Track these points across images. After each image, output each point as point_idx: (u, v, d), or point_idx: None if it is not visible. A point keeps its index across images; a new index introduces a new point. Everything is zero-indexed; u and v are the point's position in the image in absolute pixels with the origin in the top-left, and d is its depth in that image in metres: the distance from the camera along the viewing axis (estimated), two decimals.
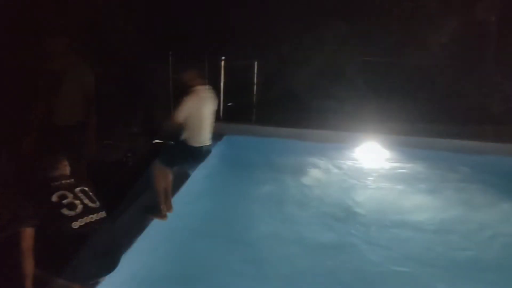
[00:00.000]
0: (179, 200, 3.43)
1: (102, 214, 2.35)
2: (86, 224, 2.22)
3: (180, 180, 3.75)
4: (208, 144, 3.27)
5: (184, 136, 3.17)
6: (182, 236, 3.24)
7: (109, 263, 2.29)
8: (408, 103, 5.82)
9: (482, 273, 2.95)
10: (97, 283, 2.30)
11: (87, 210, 2.28)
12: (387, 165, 4.87)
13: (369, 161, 4.96)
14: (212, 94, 3.31)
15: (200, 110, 3.14)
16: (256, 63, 6.25)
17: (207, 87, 3.32)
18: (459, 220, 3.66)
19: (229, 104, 5.89)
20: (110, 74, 4.64)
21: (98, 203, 2.38)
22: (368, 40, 6.25)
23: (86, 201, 2.32)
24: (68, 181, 2.41)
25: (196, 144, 3.16)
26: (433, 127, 5.43)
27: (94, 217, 2.28)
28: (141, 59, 5.18)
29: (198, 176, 4.06)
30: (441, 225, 3.57)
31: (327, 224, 3.58)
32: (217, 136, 5.38)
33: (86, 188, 2.40)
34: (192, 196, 3.73)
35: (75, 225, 2.19)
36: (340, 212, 3.75)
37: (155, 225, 3.03)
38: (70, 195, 2.28)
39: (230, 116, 5.86)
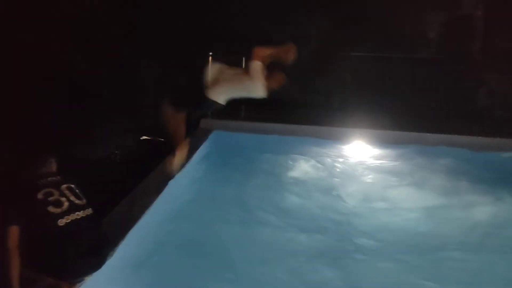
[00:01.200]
0: (165, 196, 3.43)
1: (89, 211, 2.35)
2: (72, 221, 2.22)
3: (165, 177, 3.75)
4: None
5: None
6: (168, 233, 3.24)
7: (96, 261, 2.29)
8: (394, 98, 5.88)
9: (464, 263, 3.00)
10: (83, 280, 2.29)
11: (73, 207, 2.27)
12: (374, 159, 4.92)
13: (357, 156, 5.01)
14: None
15: None
16: (244, 58, 6.23)
17: None
18: (443, 212, 3.72)
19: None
20: (97, 71, 4.61)
21: (84, 200, 2.38)
22: (355, 35, 6.27)
23: (72, 198, 2.31)
24: (55, 178, 2.40)
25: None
26: (419, 121, 5.49)
27: (80, 214, 2.27)
28: (129, 55, 5.14)
29: (186, 172, 4.06)
30: (427, 217, 3.63)
31: (314, 218, 3.61)
32: (205, 131, 5.41)
33: (73, 186, 2.39)
34: (179, 193, 3.72)
35: (61, 222, 2.18)
36: (328, 206, 3.78)
37: (143, 222, 3.03)
38: (56, 193, 2.28)
39: (219, 112, 5.85)
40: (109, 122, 4.93)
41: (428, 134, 5.24)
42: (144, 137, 4.93)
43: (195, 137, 5.15)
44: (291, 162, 4.71)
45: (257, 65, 3.76)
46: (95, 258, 2.27)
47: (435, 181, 4.28)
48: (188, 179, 4.01)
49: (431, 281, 2.85)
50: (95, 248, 2.28)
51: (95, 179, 3.49)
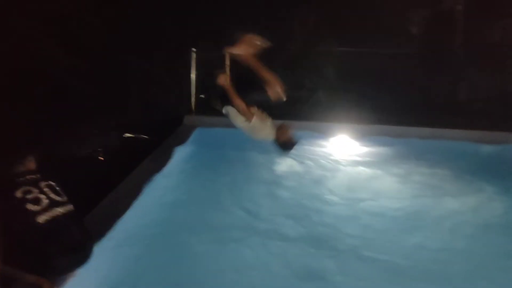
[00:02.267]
0: (149, 193, 3.40)
1: (69, 207, 2.31)
2: (52, 218, 2.18)
3: (149, 174, 3.71)
4: None
5: None
6: (153, 230, 3.21)
7: (78, 258, 2.25)
8: (378, 92, 5.94)
9: (447, 256, 3.05)
10: (67, 278, 2.26)
11: (53, 204, 2.23)
12: (359, 153, 4.96)
13: (342, 150, 5.04)
14: None
15: None
16: (227, 54, 6.20)
17: None
18: (426, 202, 3.78)
19: (201, 96, 5.85)
20: (80, 67, 4.52)
21: (65, 197, 2.34)
22: (339, 30, 6.30)
23: (52, 195, 2.28)
24: (34, 176, 2.36)
25: None
26: (402, 115, 5.55)
27: (61, 210, 2.24)
28: (113, 51, 5.07)
29: (170, 169, 4.03)
30: (410, 207, 3.69)
31: (301, 211, 3.62)
32: (189, 128, 5.37)
33: (53, 183, 2.35)
34: (163, 189, 3.70)
35: (41, 219, 2.15)
36: (314, 200, 3.80)
37: (127, 219, 3.00)
38: (35, 190, 2.24)
39: (203, 108, 5.82)
40: (92, 119, 4.86)
41: (410, 127, 5.31)
42: (127, 135, 4.88)
43: (178, 134, 5.12)
44: (276, 157, 4.71)
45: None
46: (77, 255, 2.24)
47: (418, 173, 4.34)
48: (171, 177, 3.97)
49: (413, 271, 2.90)
50: (77, 244, 2.25)
51: (77, 177, 3.45)
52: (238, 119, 3.55)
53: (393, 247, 3.16)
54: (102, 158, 4.22)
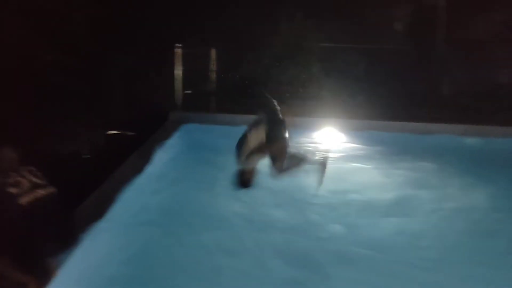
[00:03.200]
0: (135, 189, 3.35)
1: (51, 189, 2.25)
2: (35, 199, 2.13)
3: (134, 170, 3.66)
4: None
5: None
6: (138, 228, 3.17)
7: (68, 239, 2.20)
8: (362, 88, 5.99)
9: (426, 250, 3.08)
10: (53, 272, 2.20)
11: (34, 186, 2.18)
12: (344, 147, 4.98)
13: (328, 144, 5.06)
14: None
15: None
16: (213, 50, 6.18)
17: None
18: (411, 194, 3.81)
19: (187, 92, 5.81)
20: (65, 64, 4.44)
21: (45, 181, 2.28)
22: (325, 27, 6.33)
23: (33, 178, 2.22)
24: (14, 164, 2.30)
25: None
26: (387, 109, 5.61)
27: (42, 192, 2.18)
28: (99, 48, 4.99)
29: (155, 167, 3.98)
30: (395, 198, 3.73)
31: (286, 205, 3.62)
32: (174, 124, 5.32)
33: (33, 168, 2.30)
34: (149, 186, 3.65)
35: (23, 201, 2.09)
36: (300, 193, 3.79)
37: (112, 216, 2.95)
38: (16, 175, 2.18)
39: (188, 104, 5.78)
40: (76, 116, 4.77)
41: (395, 122, 5.37)
42: (111, 132, 4.81)
43: (164, 131, 5.06)
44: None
45: None
46: (62, 237, 2.19)
47: (404, 166, 4.38)
48: (155, 175, 3.92)
49: (397, 257, 2.94)
50: (61, 226, 2.20)
51: (62, 174, 3.38)
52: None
53: (377, 235, 3.20)
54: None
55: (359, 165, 4.50)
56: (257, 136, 3.07)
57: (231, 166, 4.29)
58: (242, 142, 3.11)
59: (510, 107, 5.83)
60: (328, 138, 5.26)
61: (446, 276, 2.74)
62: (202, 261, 2.83)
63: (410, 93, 6.11)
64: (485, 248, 3.07)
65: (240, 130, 5.14)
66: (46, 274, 2.17)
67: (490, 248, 3.06)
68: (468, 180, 4.08)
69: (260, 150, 3.04)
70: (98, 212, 2.92)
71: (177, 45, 5.72)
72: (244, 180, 3.13)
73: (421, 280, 2.69)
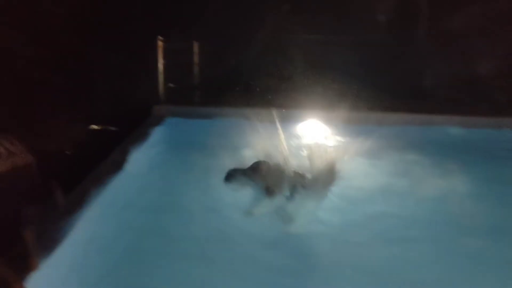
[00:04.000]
0: (116, 185, 3.31)
1: (29, 158, 2.20)
2: (12, 167, 2.06)
3: (116, 166, 3.62)
4: None
5: None
6: (123, 216, 3.14)
7: (46, 208, 2.14)
8: (345, 80, 6.01)
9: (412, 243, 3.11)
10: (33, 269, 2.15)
11: (9, 154, 2.12)
12: (329, 138, 5.01)
13: (313, 136, 5.08)
14: None
15: None
16: (196, 43, 6.12)
17: None
18: (394, 185, 3.87)
19: (170, 85, 5.74)
20: (44, 58, 4.32)
21: (22, 148, 2.21)
22: (308, 19, 6.32)
23: (10, 146, 2.15)
24: None
25: None
26: (370, 102, 5.65)
27: (21, 160, 2.12)
28: (78, 41, 4.87)
29: (138, 162, 3.93)
30: (379, 190, 3.79)
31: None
32: (158, 119, 5.26)
33: (8, 136, 2.22)
34: (132, 183, 3.60)
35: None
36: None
37: (94, 210, 2.91)
38: None
39: (171, 98, 5.72)
40: (56, 111, 4.67)
41: (378, 113, 5.41)
42: (93, 126, 4.72)
43: (147, 126, 5.00)
44: (248, 146, 4.67)
45: None
46: (43, 206, 2.13)
47: (387, 157, 4.42)
48: (138, 169, 3.86)
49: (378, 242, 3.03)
50: (42, 194, 2.14)
51: (42, 171, 3.31)
52: None
53: (358, 224, 3.25)
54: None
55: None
56: None
57: (216, 160, 4.29)
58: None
59: (490, 98, 5.97)
60: (311, 130, 5.28)
61: None
62: (190, 257, 2.81)
63: (392, 85, 6.17)
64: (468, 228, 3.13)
65: (225, 123, 5.16)
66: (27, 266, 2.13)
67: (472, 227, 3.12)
68: (452, 169, 4.13)
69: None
70: (79, 208, 2.88)
71: (160, 38, 5.63)
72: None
73: None
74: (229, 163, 4.26)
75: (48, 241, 2.41)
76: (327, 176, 3.37)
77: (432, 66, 6.37)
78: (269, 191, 3.23)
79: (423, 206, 3.55)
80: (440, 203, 3.56)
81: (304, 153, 3.74)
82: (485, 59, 6.27)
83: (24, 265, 2.17)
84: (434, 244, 3.06)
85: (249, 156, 4.35)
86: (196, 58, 6.11)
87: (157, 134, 4.78)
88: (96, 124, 4.70)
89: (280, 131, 4.66)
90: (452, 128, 5.04)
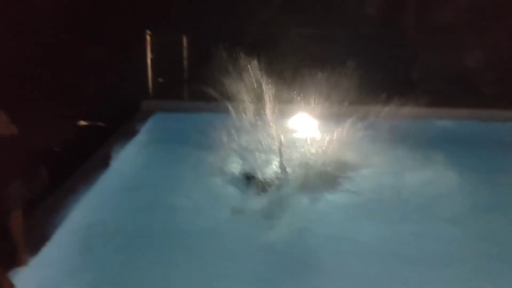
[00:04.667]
0: (105, 180, 3.29)
1: (14, 129, 2.16)
2: None
3: (105, 160, 3.59)
4: None
5: None
6: (109, 215, 3.11)
7: (31, 181, 2.11)
8: (335, 73, 6.01)
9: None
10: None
11: None
12: (318, 132, 5.01)
13: (302, 131, 5.08)
14: None
15: None
16: (185, 37, 6.06)
17: None
18: (379, 177, 3.95)
19: (159, 80, 5.69)
20: (31, 53, 4.26)
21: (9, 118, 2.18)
22: (300, 12, 6.31)
23: None
24: None
25: None
26: (361, 95, 5.65)
27: (4, 131, 2.08)
28: (65, 35, 4.80)
29: (126, 156, 3.91)
30: (363, 180, 3.86)
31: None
32: (146, 114, 5.23)
33: None
34: (120, 175, 3.58)
35: None
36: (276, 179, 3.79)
37: (81, 207, 2.89)
38: None
39: (161, 93, 5.67)
40: (43, 107, 4.61)
41: (368, 106, 5.40)
42: (82, 122, 4.67)
43: (135, 121, 4.96)
44: (237, 140, 4.66)
45: None
46: (28, 178, 2.10)
47: (374, 150, 4.43)
48: (126, 169, 3.83)
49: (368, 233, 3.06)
50: (27, 166, 2.10)
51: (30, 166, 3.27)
52: None
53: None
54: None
55: (333, 149, 4.52)
56: None
57: (204, 156, 4.29)
58: None
59: (478, 90, 6.02)
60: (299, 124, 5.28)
61: None
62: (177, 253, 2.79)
63: (381, 78, 6.19)
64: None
65: (214, 117, 5.13)
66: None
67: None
68: (440, 161, 4.17)
69: None
70: (64, 205, 2.86)
71: (148, 32, 5.57)
72: None
73: None
74: (218, 158, 4.28)
75: (37, 237, 2.39)
76: None
77: (421, 59, 6.40)
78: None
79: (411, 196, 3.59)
80: (429, 193, 3.61)
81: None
82: (474, 52, 6.32)
83: (12, 260, 2.16)
84: None
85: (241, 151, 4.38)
86: (185, 53, 6.06)
87: (145, 130, 4.75)
88: (83, 120, 4.65)
89: (273, 124, 4.70)
90: (439, 121, 5.08)
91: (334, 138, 4.90)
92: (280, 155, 3.76)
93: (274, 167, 4.07)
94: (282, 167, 3.95)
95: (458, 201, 3.54)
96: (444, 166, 4.07)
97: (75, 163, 3.71)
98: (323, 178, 3.88)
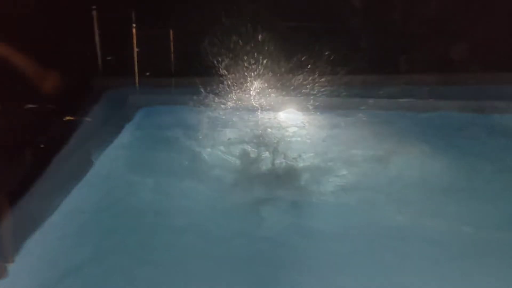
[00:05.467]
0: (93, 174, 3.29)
1: None
2: None
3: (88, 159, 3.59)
4: None
5: None
6: (89, 205, 3.13)
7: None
8: (322, 66, 6.04)
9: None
10: None
11: None
12: (303, 122, 5.10)
13: (287, 122, 5.16)
14: None
15: None
16: (171, 31, 6.04)
17: None
18: (359, 161, 4.00)
19: (147, 74, 5.67)
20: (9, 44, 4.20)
21: None
22: (285, 6, 6.30)
23: None
24: None
25: None
26: (346, 88, 5.69)
27: None
28: (47, 24, 4.73)
29: (114, 150, 3.92)
30: (345, 166, 3.91)
31: (248, 183, 3.65)
32: (133, 108, 5.22)
33: None
34: (100, 184, 3.58)
35: None
36: (264, 170, 3.86)
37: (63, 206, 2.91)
38: None
39: (148, 87, 5.65)
40: (29, 102, 4.56)
41: (354, 99, 5.46)
42: (68, 118, 4.65)
43: (121, 116, 4.96)
44: (224, 132, 4.70)
45: None
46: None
47: (359, 140, 4.48)
48: (113, 164, 3.83)
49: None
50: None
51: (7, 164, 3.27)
52: None
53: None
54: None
55: (314, 136, 4.68)
56: None
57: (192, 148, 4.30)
58: None
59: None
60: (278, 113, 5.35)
61: None
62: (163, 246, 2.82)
63: (367, 70, 6.23)
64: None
65: (201, 110, 5.14)
66: None
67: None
68: (422, 148, 4.24)
69: None
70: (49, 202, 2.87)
71: (133, 25, 5.52)
72: None
73: None
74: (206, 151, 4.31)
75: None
76: None
77: (407, 52, 6.43)
78: None
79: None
80: (410, 179, 3.71)
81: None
82: (459, 42, 6.36)
83: None
84: None
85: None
86: (171, 46, 6.04)
87: (132, 124, 4.76)
88: (69, 115, 4.62)
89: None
90: (423, 113, 5.14)
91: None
92: None
93: None
94: None
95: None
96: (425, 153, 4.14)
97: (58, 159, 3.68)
98: None
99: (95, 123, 4.55)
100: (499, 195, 3.45)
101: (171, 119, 4.94)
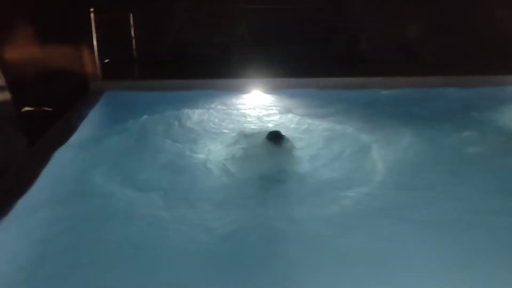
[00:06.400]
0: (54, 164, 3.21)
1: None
2: None
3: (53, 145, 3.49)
4: None
5: None
6: (61, 199, 3.07)
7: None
8: (286, 47, 6.10)
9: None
10: None
11: None
12: (274, 105, 5.10)
13: (258, 104, 5.18)
14: None
15: None
16: (131, 15, 5.88)
17: None
18: (335, 147, 4.00)
19: (106, 61, 5.50)
20: None
21: None
22: None
23: None
24: None
25: None
26: (310, 67, 5.79)
27: None
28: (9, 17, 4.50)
29: (76, 139, 3.83)
30: (324, 152, 3.91)
31: (219, 171, 3.64)
32: (96, 95, 5.09)
33: None
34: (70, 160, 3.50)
35: None
36: (232, 160, 3.78)
37: (31, 193, 2.84)
38: None
39: (110, 73, 5.50)
40: None
41: (319, 78, 5.55)
42: (27, 108, 4.47)
43: (84, 102, 4.83)
44: (193, 117, 4.65)
45: None
46: None
47: (326, 120, 4.57)
48: (77, 152, 3.72)
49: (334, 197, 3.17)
50: None
51: None
52: None
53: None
54: None
55: (289, 120, 4.63)
56: None
57: (155, 135, 4.24)
58: None
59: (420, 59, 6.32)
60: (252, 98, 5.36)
61: None
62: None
63: (330, 50, 6.35)
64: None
65: (168, 95, 5.07)
66: None
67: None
68: (387, 128, 4.35)
69: None
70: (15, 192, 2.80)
71: (92, 10, 5.32)
72: None
73: None
74: (172, 133, 4.26)
75: None
76: None
77: (367, 31, 6.58)
78: None
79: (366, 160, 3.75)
80: (382, 158, 3.77)
81: None
82: (414, 21, 6.58)
83: None
84: None
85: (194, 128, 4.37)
86: (132, 31, 5.89)
87: (95, 111, 4.64)
88: (28, 105, 4.45)
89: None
90: (384, 90, 5.33)
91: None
92: None
93: None
94: None
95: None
96: (390, 133, 4.27)
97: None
98: None
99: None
100: None
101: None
